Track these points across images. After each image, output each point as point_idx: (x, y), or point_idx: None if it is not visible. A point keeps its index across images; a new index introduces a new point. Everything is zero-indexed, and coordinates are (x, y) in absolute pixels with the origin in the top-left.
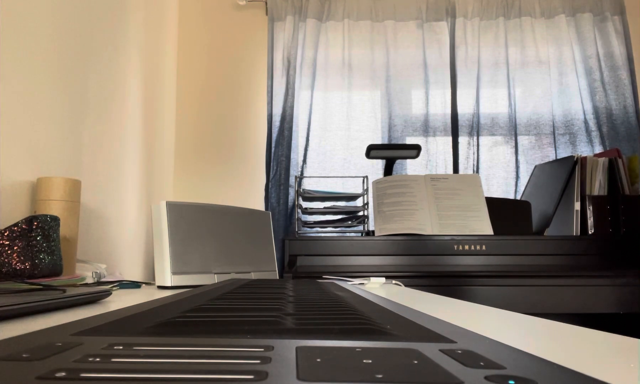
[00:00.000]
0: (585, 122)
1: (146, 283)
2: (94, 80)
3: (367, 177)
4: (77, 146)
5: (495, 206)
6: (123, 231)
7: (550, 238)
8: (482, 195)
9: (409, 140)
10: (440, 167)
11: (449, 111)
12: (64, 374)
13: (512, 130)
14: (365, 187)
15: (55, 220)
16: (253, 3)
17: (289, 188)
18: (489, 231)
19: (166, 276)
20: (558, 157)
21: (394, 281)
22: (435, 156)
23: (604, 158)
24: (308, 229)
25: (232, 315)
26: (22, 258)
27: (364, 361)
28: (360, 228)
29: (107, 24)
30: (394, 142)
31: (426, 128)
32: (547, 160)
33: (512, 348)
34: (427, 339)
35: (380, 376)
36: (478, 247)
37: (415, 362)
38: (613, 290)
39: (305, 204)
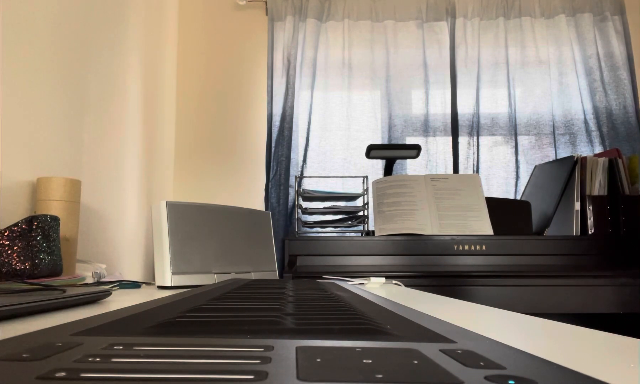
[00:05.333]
0: (585, 122)
1: (146, 283)
2: (93, 80)
3: (367, 177)
4: (77, 146)
5: (495, 206)
6: (123, 231)
7: (550, 238)
8: (482, 195)
9: (409, 140)
10: (440, 167)
11: (449, 111)
12: (64, 374)
13: (512, 130)
14: (365, 187)
15: (55, 220)
16: (253, 3)
17: (289, 188)
18: (489, 231)
19: (166, 276)
20: (558, 157)
21: (394, 281)
22: (435, 156)
23: (604, 158)
24: (308, 229)
25: (232, 315)
26: (22, 258)
27: (364, 361)
28: (360, 228)
29: (107, 23)
30: (394, 142)
31: (426, 128)
32: (547, 160)
33: (512, 348)
34: (427, 339)
35: (380, 376)
36: (478, 247)
37: (415, 362)
38: (613, 290)
39: (305, 204)
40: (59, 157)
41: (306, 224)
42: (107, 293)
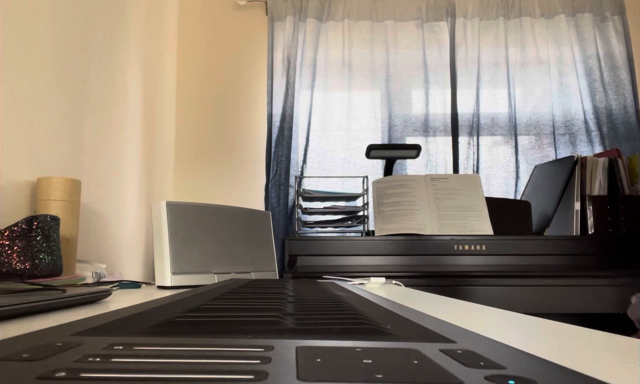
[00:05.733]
0: (585, 122)
1: (146, 283)
2: (94, 80)
3: (367, 177)
4: (77, 146)
5: (495, 206)
6: (123, 231)
7: (550, 238)
8: (482, 195)
9: (409, 140)
10: (440, 167)
11: (449, 111)
12: (64, 374)
13: (512, 130)
14: (365, 187)
15: (55, 220)
16: (253, 3)
17: (289, 188)
18: (489, 231)
19: (166, 276)
20: (558, 157)
21: (394, 281)
22: (435, 156)
23: (604, 158)
24: (308, 229)
25: (232, 315)
26: (22, 258)
27: (364, 361)
28: (360, 228)
29: (107, 23)
30: (394, 142)
31: (426, 128)
32: (547, 160)
33: (512, 348)
34: (427, 339)
35: (380, 376)
36: (478, 247)
37: (415, 362)
38: (613, 290)
39: (305, 204)
40: (59, 157)
41: (306, 224)
42: (107, 293)
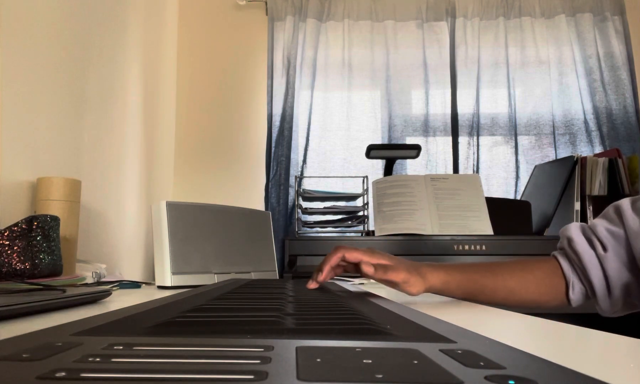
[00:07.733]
0: (585, 122)
1: (146, 283)
2: (93, 80)
3: (367, 177)
4: (77, 146)
5: (495, 206)
6: (123, 231)
7: (550, 238)
8: (482, 195)
9: (409, 140)
10: (440, 167)
11: (449, 111)
12: (64, 374)
13: (512, 130)
14: (365, 187)
15: (55, 220)
16: (253, 3)
17: (289, 188)
18: (489, 231)
19: (166, 276)
20: (558, 157)
21: None
22: (435, 156)
23: (604, 158)
24: (308, 229)
25: (232, 315)
26: (22, 258)
27: (364, 361)
28: (360, 228)
29: (107, 24)
30: (394, 142)
31: (426, 128)
32: (547, 160)
33: (512, 348)
34: (427, 339)
35: (380, 376)
36: (478, 247)
37: (415, 362)
38: None
39: (305, 204)
40: (59, 157)
41: (306, 224)
42: (107, 293)
